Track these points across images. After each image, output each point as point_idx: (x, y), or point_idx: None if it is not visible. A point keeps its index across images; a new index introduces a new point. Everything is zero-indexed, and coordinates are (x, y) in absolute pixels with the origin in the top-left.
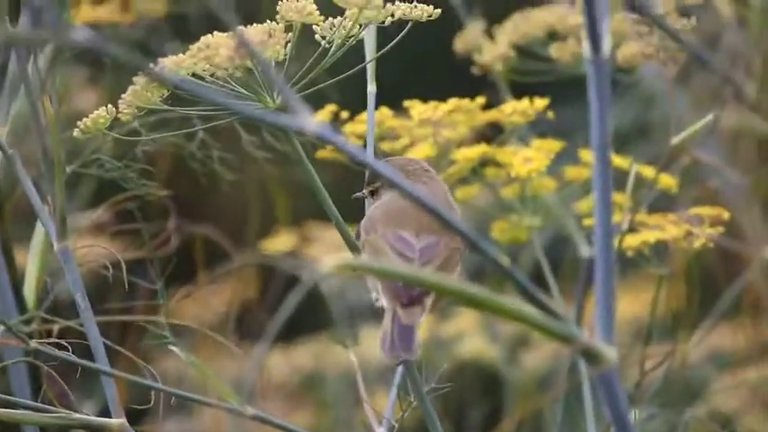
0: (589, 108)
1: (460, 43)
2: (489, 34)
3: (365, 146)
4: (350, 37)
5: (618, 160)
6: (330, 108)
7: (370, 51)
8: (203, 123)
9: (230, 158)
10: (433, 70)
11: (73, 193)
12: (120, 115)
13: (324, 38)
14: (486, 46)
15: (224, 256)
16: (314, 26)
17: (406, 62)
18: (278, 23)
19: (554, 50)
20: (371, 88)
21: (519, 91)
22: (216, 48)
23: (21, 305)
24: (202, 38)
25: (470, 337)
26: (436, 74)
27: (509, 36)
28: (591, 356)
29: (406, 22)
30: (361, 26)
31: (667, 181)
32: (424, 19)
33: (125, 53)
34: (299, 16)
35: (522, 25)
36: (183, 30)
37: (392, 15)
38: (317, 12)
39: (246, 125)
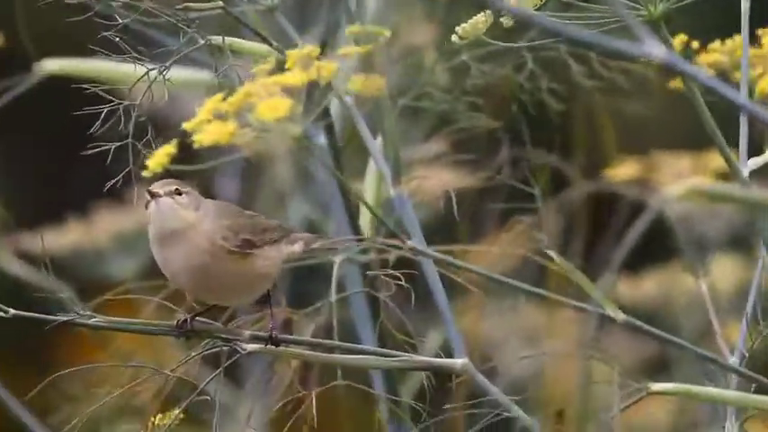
0: None
1: None
2: None
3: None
4: None
5: None
6: (680, 38)
7: None
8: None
9: (559, 89)
10: None
11: (411, 127)
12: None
13: None
14: None
15: (561, 185)
16: None
17: None
18: None
19: None
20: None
21: None
22: None
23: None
24: None
25: None
26: None
27: None
28: None
29: None
30: None
31: None
32: None
33: None
34: None
35: None
36: None
37: None
38: None
39: (577, 56)
